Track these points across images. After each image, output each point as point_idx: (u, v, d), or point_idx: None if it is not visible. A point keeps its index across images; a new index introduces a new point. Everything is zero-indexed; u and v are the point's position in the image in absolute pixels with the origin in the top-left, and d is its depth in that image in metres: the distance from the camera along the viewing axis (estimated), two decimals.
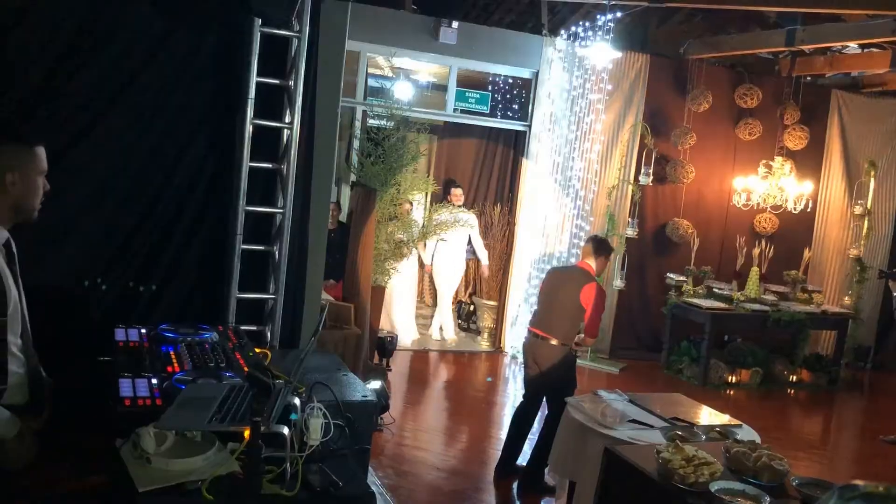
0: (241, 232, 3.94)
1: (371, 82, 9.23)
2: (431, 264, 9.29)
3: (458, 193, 9.28)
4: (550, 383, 5.39)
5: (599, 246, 5.55)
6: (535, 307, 5.74)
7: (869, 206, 9.70)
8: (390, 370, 7.50)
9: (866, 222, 9.70)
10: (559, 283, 5.51)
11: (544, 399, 5.57)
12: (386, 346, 7.54)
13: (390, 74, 9.37)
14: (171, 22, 3.68)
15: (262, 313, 4.12)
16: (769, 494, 3.05)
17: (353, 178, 7.95)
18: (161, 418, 2.10)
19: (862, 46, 8.87)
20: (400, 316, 8.97)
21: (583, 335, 5.43)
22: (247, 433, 1.89)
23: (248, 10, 3.59)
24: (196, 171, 3.90)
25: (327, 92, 4.35)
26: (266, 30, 3.83)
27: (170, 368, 2.67)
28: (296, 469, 2.05)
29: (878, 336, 10.37)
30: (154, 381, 2.51)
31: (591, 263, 5.49)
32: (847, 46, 8.85)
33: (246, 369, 2.33)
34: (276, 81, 3.99)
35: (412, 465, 5.49)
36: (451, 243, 8.96)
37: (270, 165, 4.05)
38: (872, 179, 9.68)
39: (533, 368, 5.50)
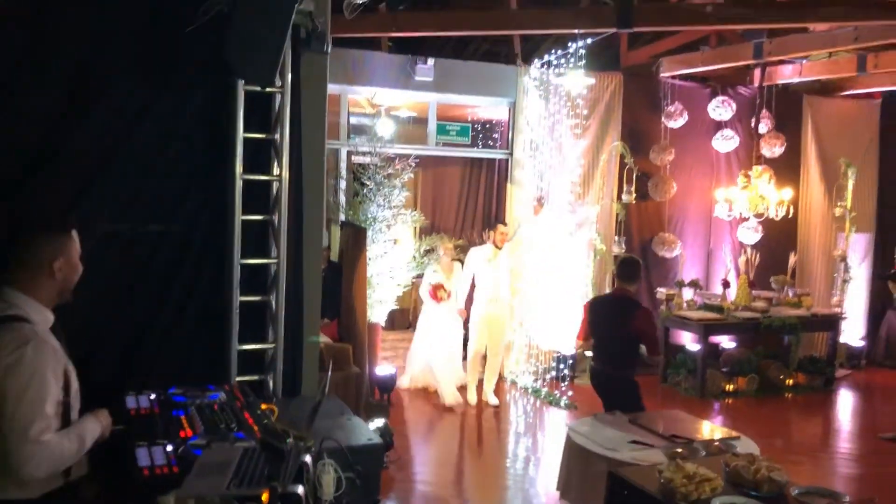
0: (237, 285, 4.02)
1: (353, 121, 9.39)
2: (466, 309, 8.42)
3: (503, 231, 8.22)
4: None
5: (625, 270, 5.60)
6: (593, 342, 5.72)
7: (849, 206, 9.88)
8: (391, 405, 7.58)
9: (848, 222, 9.87)
10: (605, 314, 5.54)
11: None
12: (386, 381, 7.62)
13: (371, 112, 9.52)
14: (156, 86, 3.78)
15: (262, 363, 4.18)
16: None
17: (341, 217, 8.06)
18: (182, 486, 2.16)
19: (829, 53, 9.08)
20: (444, 374, 8.17)
21: (645, 353, 5.47)
22: (264, 496, 1.96)
23: (232, 73, 3.70)
24: (189, 228, 3.98)
25: (312, 140, 4.45)
26: (249, 88, 3.94)
27: (182, 433, 2.73)
28: None
29: (869, 334, 10.50)
30: (169, 448, 2.58)
31: (628, 287, 5.54)
32: (813, 54, 9.05)
33: (256, 428, 2.40)
34: (263, 136, 4.09)
35: (422, 500, 5.54)
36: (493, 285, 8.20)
37: (262, 217, 4.14)
38: (850, 180, 9.86)
39: (602, 399, 5.56)
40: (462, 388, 8.16)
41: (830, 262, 10.09)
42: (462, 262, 8.35)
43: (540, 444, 7.07)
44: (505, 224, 8.43)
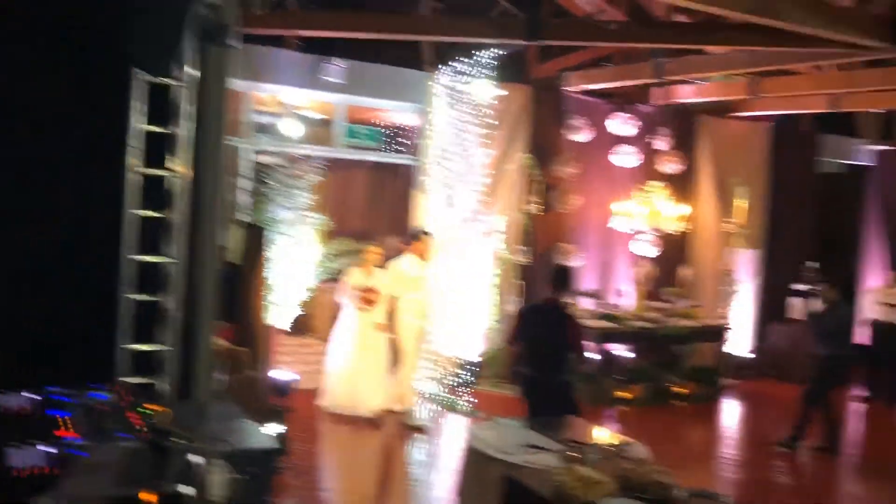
0: (128, 283, 3.87)
1: (258, 119, 9.20)
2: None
3: (429, 242, 7.90)
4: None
5: (558, 278, 5.73)
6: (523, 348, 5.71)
7: (738, 223, 10.35)
8: (289, 411, 7.42)
9: (734, 239, 10.34)
10: (540, 321, 5.61)
11: None
12: (283, 386, 7.46)
13: (278, 111, 9.36)
14: (50, 73, 3.61)
15: (153, 365, 4.03)
16: None
17: (242, 217, 7.87)
18: (59, 487, 2.05)
19: (724, 76, 9.53)
20: (365, 387, 7.65)
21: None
22: (149, 497, 1.88)
23: (128, 61, 3.57)
24: (80, 221, 3.81)
25: (212, 136, 4.33)
26: (148, 78, 3.80)
27: (60, 433, 2.60)
28: None
29: (756, 346, 11.03)
30: (44, 448, 2.44)
31: (560, 296, 5.62)
32: (710, 76, 9.48)
33: (143, 430, 2.31)
34: (161, 129, 3.96)
35: None
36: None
37: (158, 213, 4.00)
38: (740, 199, 10.34)
39: (531, 405, 5.55)
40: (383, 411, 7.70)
41: (719, 276, 10.54)
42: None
43: (440, 450, 7.08)
44: (430, 235, 8.06)
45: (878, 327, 9.84)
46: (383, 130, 9.83)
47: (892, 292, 9.75)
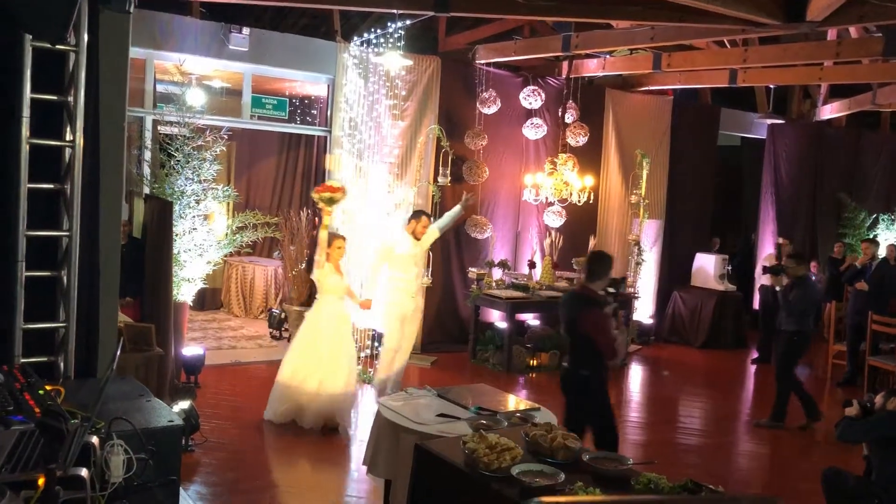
0: (22, 258, 3.70)
1: (160, 88, 8.87)
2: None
3: (426, 223, 7.62)
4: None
5: (589, 265, 5.30)
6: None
7: (643, 194, 10.68)
8: (199, 387, 7.30)
9: (642, 209, 10.67)
10: (565, 311, 5.32)
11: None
12: (193, 363, 7.33)
13: (181, 80, 9.04)
14: None
15: (52, 344, 3.88)
16: (564, 471, 3.35)
17: (145, 190, 7.61)
18: None
19: (630, 50, 9.76)
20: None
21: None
22: (41, 480, 1.82)
23: (18, 25, 3.38)
24: None
25: (112, 105, 4.17)
26: (38, 44, 3.61)
27: None
28: None
29: (657, 313, 11.47)
30: None
31: (589, 284, 5.22)
32: (616, 50, 9.70)
33: (37, 410, 2.23)
34: (54, 97, 3.77)
35: (228, 485, 5.39)
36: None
37: (52, 186, 3.83)
38: (644, 170, 10.66)
39: (566, 399, 5.32)
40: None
41: (626, 246, 10.87)
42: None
43: (352, 422, 7.10)
44: (429, 216, 7.83)
45: (766, 293, 10.35)
46: (292, 101, 9.65)
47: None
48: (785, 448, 7.30)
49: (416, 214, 7.72)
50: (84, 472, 1.93)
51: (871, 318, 8.84)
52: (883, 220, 13.07)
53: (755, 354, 10.59)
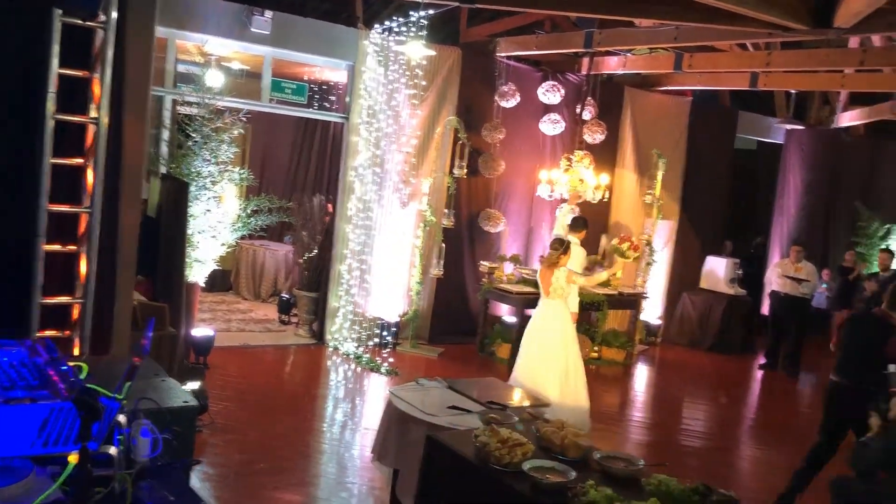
0: (43, 233, 3.71)
1: (181, 68, 8.86)
2: None
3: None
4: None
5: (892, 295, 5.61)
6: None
7: (657, 194, 10.64)
8: (208, 368, 7.33)
9: (655, 209, 10.64)
10: (864, 333, 5.76)
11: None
12: (202, 343, 7.36)
13: (201, 61, 9.03)
14: None
15: (68, 319, 3.90)
16: (575, 469, 3.35)
17: (162, 169, 7.62)
18: None
19: (650, 49, 9.71)
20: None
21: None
22: (73, 458, 1.83)
23: (49, 1, 3.38)
24: None
25: (136, 84, 4.18)
26: (68, 20, 3.62)
27: None
28: (125, 488, 2.00)
29: (666, 313, 11.44)
30: None
31: (892, 312, 5.58)
32: (636, 49, 9.65)
33: (62, 386, 2.23)
34: (81, 73, 3.78)
35: (234, 467, 5.42)
36: None
37: (75, 162, 3.84)
38: (660, 170, 10.62)
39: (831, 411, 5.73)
40: None
41: (639, 246, 10.80)
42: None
43: (359, 410, 7.13)
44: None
45: (777, 299, 10.32)
46: (311, 86, 9.63)
47: (793, 265, 10.21)
48: (792, 454, 7.28)
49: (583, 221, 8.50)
50: (113, 450, 1.94)
51: None
52: None
53: (763, 360, 10.55)
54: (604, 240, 10.27)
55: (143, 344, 2.25)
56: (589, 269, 8.77)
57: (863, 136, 13.26)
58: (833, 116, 12.66)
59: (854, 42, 8.87)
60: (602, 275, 7.42)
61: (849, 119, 12.42)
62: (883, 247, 11.58)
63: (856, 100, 12.46)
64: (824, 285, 11.84)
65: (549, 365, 6.66)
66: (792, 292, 10.10)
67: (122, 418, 2.10)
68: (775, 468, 6.91)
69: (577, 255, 8.05)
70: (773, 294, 10.49)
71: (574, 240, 8.08)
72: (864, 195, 13.03)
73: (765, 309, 11.62)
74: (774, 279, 10.42)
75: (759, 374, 10.31)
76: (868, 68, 8.80)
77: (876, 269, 10.61)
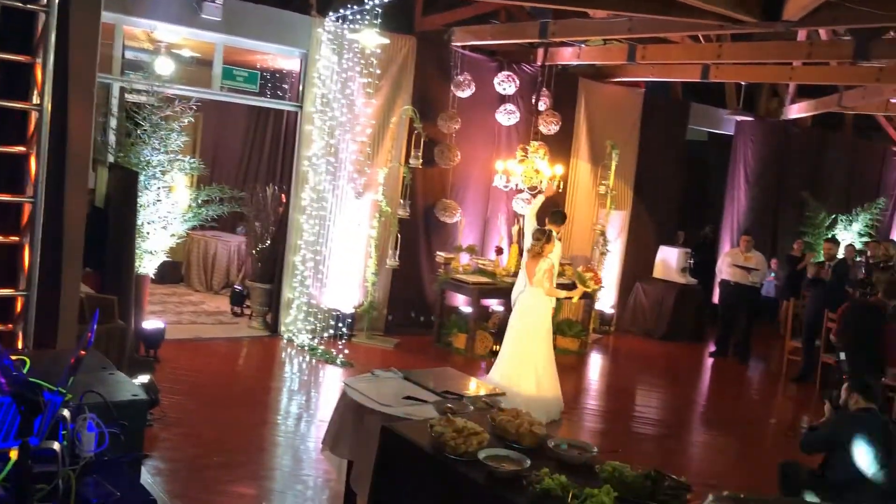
0: None
1: (129, 55, 8.66)
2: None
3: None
4: None
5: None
6: None
7: (611, 184, 10.75)
8: (158, 361, 7.20)
9: (609, 200, 10.75)
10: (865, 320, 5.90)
11: None
12: (152, 336, 7.23)
13: (150, 48, 8.84)
14: None
15: (10, 312, 3.78)
16: (530, 457, 3.36)
17: (110, 159, 7.44)
18: None
19: (604, 40, 9.78)
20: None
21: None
22: (13, 454, 1.77)
23: None
24: None
25: (81, 70, 4.06)
26: (8, 2, 3.49)
27: None
28: (69, 484, 1.94)
29: (619, 303, 11.58)
30: None
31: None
32: (590, 40, 9.71)
33: (2, 381, 2.16)
34: (23, 59, 3.66)
35: (187, 461, 5.33)
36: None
37: (17, 150, 3.72)
38: (613, 161, 10.72)
39: None
40: None
41: (592, 236, 10.93)
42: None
43: (314, 402, 7.07)
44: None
45: (727, 287, 10.51)
46: (263, 74, 9.49)
47: (743, 255, 10.41)
48: (742, 439, 7.45)
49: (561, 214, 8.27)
50: (56, 445, 1.87)
51: (826, 316, 9.03)
52: (841, 220, 13.36)
53: (713, 348, 10.75)
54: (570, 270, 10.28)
55: (88, 336, 2.18)
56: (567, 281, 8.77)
57: (810, 127, 13.57)
58: (782, 108, 12.94)
59: (802, 35, 9.06)
60: (563, 293, 7.60)
61: (797, 111, 12.70)
62: (828, 236, 11.88)
63: (803, 92, 12.75)
64: (773, 274, 12.12)
65: (527, 352, 7.05)
66: (742, 281, 10.30)
67: (66, 413, 2.04)
68: (726, 453, 7.06)
69: (556, 249, 8.09)
70: (724, 283, 10.68)
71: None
72: (811, 186, 13.36)
73: (715, 298, 11.86)
74: (725, 268, 10.61)
75: (709, 361, 10.51)
76: (815, 61, 8.99)
77: (822, 258, 10.86)
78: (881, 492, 4.42)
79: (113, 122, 7.63)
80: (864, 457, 4.45)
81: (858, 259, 11.54)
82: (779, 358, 10.31)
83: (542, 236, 7.09)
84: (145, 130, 7.36)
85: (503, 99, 10.00)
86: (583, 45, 9.96)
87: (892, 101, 11.70)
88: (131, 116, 7.48)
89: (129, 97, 7.88)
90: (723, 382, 9.79)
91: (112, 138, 7.52)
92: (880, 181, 14.65)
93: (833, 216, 13.24)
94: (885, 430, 4.55)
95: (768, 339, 11.70)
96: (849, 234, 13.19)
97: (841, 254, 10.82)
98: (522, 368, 7.00)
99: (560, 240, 7.98)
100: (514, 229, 9.96)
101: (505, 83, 9.85)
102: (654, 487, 3.17)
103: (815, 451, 4.88)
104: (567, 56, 10.22)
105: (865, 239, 13.29)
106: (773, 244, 13.04)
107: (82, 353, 2.13)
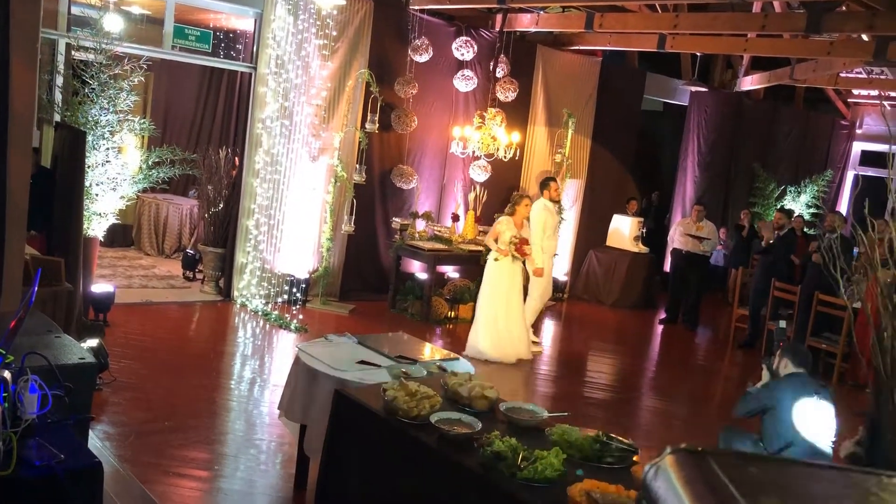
0: None
1: (75, 11, 8.37)
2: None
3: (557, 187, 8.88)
4: None
5: None
6: None
7: (567, 153, 10.81)
8: (108, 325, 7.09)
9: (564, 168, 10.81)
10: None
11: None
12: (102, 300, 7.11)
13: (98, 4, 8.54)
14: None
15: None
16: (481, 420, 3.41)
17: (56, 118, 7.23)
18: None
19: (563, 7, 9.75)
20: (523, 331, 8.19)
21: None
22: None
23: None
24: None
25: (23, 25, 3.90)
26: None
27: None
28: (10, 446, 1.91)
29: (572, 270, 11.72)
30: None
31: None
32: (549, 7, 9.67)
33: None
34: None
35: (136, 426, 5.28)
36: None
37: None
38: (570, 130, 10.77)
39: None
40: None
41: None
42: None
43: (267, 367, 7.05)
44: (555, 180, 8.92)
45: (679, 256, 10.71)
46: (216, 34, 9.27)
47: (695, 224, 10.59)
48: (690, 404, 7.65)
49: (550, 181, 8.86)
50: None
51: (773, 284, 9.27)
52: (790, 191, 13.66)
53: (663, 315, 10.97)
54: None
55: (29, 297, 2.14)
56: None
57: (762, 99, 13.79)
58: (735, 80, 13.10)
59: (757, 7, 9.15)
60: (495, 245, 7.91)
61: (750, 83, 12.88)
62: (779, 206, 12.14)
63: (757, 64, 12.93)
64: (721, 243, 12.36)
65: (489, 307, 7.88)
66: (693, 250, 10.49)
67: (7, 374, 2.00)
68: (674, 418, 7.24)
69: (546, 216, 8.58)
70: (675, 251, 10.88)
71: (546, 202, 8.67)
72: (762, 157, 13.62)
73: (667, 266, 12.08)
74: (677, 237, 10.79)
75: (660, 328, 10.72)
76: (769, 33, 9.10)
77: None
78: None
79: (59, 80, 7.40)
80: (786, 421, 4.59)
81: (812, 231, 11.83)
82: (726, 325, 10.56)
83: (512, 200, 7.95)
84: (93, 89, 7.16)
85: (461, 65, 9.94)
86: (541, 12, 9.93)
87: (842, 74, 11.94)
88: (78, 74, 7.26)
89: (77, 54, 7.65)
90: (672, 348, 10.01)
91: (59, 96, 7.30)
92: (828, 154, 15.00)
93: (782, 187, 13.53)
94: (813, 393, 4.63)
95: (717, 307, 11.97)
96: (797, 206, 13.50)
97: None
98: (488, 327, 7.85)
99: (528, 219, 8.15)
100: (471, 196, 9.98)
101: (463, 49, 9.78)
102: (601, 449, 3.25)
103: (746, 414, 5.04)
104: (525, 23, 10.17)
105: (812, 210, 13.64)
106: (724, 214, 13.30)
107: (23, 314, 2.09)
